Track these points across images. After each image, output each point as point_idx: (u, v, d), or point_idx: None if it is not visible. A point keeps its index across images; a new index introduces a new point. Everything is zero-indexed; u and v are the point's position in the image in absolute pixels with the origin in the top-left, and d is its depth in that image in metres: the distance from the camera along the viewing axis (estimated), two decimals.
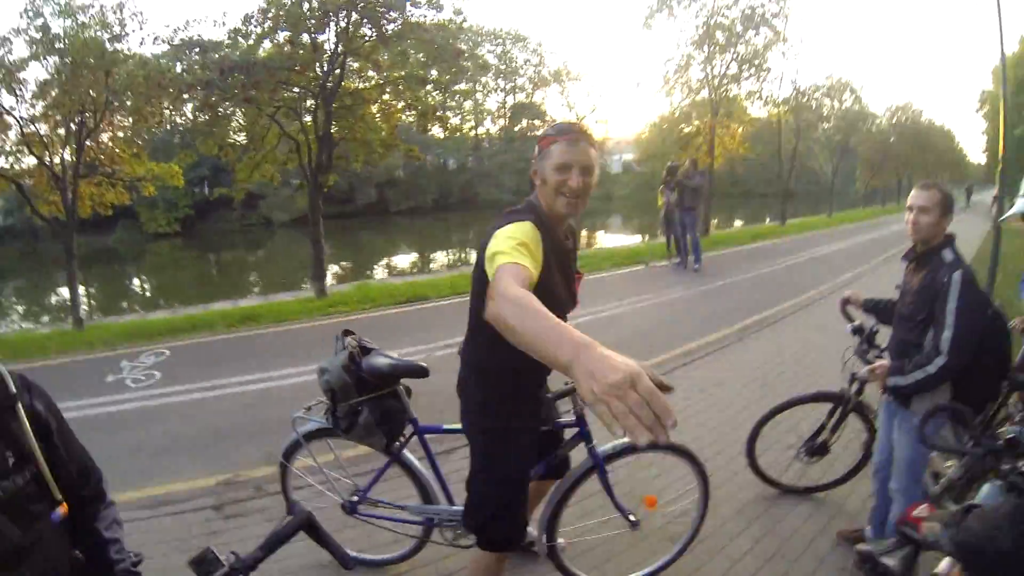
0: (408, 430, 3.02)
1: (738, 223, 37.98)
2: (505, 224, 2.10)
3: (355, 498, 3.20)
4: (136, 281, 30.90)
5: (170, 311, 13.19)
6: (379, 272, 26.57)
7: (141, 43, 11.70)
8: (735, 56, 25.14)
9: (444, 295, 11.44)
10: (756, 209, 48.02)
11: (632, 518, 3.10)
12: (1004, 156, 11.21)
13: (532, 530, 3.07)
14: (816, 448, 3.96)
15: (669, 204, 14.00)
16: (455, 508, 3.01)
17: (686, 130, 25.82)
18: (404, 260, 31.17)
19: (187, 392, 6.83)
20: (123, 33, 11.39)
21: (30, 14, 11.03)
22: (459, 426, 2.62)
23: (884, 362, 3.14)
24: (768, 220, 30.33)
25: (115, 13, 11.32)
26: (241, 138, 13.82)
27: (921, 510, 1.62)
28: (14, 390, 1.35)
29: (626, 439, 2.31)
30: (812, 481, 4.22)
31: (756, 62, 25.68)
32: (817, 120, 33.82)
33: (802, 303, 10.51)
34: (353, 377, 2.76)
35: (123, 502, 3.73)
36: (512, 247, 1.90)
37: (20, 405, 1.35)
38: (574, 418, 2.86)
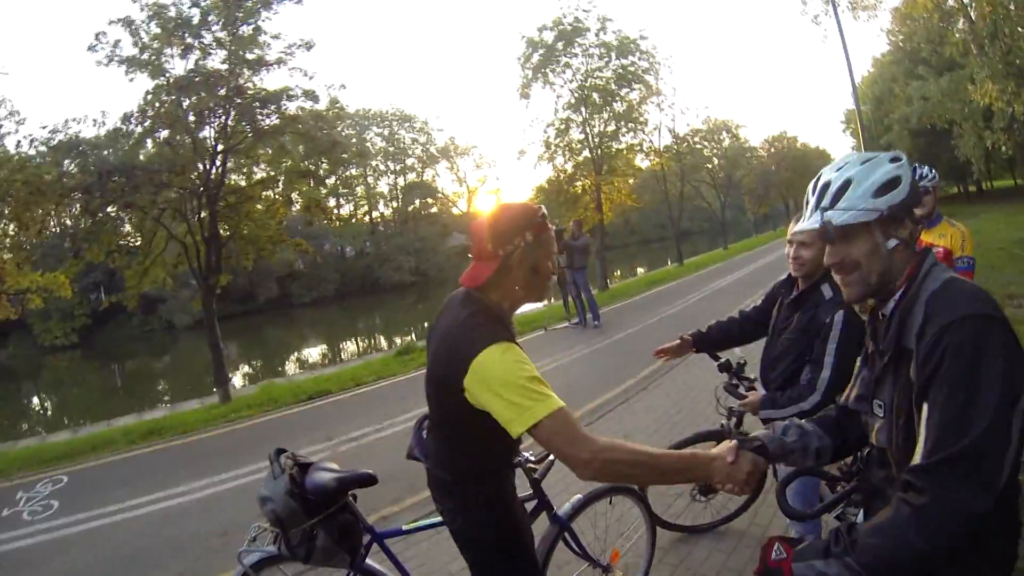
0: (366, 539, 2.73)
1: (640, 270, 38.96)
2: (489, 340, 1.89)
3: None
4: (34, 400, 29.21)
5: (70, 432, 12.45)
6: (289, 367, 25.92)
7: (18, 145, 11.30)
8: (612, 114, 26.12)
9: (347, 388, 11.19)
10: (655, 253, 49.50)
11: (603, 562, 3.15)
12: None
13: None
14: (708, 487, 3.92)
15: (560, 267, 14.24)
16: None
17: (573, 190, 26.51)
18: (314, 352, 30.59)
19: (89, 520, 6.38)
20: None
21: None
22: (419, 524, 2.72)
23: (756, 393, 3.20)
24: (669, 262, 31.28)
25: None
26: (130, 242, 13.43)
27: (777, 551, 1.50)
28: None
29: (579, 495, 3.08)
30: (712, 517, 4.25)
31: (633, 117, 26.72)
32: (700, 162, 35.32)
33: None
34: (299, 500, 2.48)
35: None
36: (535, 386, 1.81)
37: None
38: (531, 491, 2.80)
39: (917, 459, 1.36)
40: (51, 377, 33.08)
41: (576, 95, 25.56)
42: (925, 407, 1.37)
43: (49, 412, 25.92)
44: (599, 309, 14.29)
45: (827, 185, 1.60)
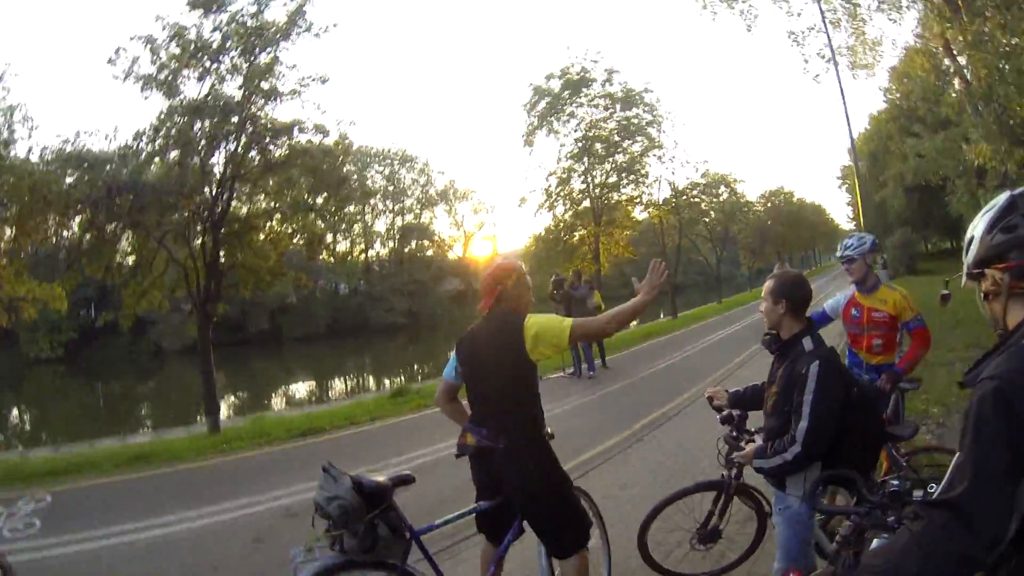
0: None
1: (633, 323, 38.95)
2: (521, 319, 3.22)
3: None
4: (14, 412, 28.69)
5: (51, 449, 12.20)
6: (276, 402, 25.63)
7: (29, 151, 11.28)
8: (614, 165, 26.41)
9: (341, 426, 10.98)
10: (650, 306, 49.49)
11: None
12: (865, 224, 12.40)
13: None
14: (708, 535, 3.98)
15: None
16: None
17: (571, 240, 26.64)
18: (300, 388, 30.32)
19: (73, 543, 6.17)
20: (11, 139, 11.04)
21: None
22: (447, 517, 3.27)
23: (753, 444, 3.24)
24: (662, 315, 31.33)
25: (4, 116, 11.04)
26: (129, 261, 13.32)
27: None
28: None
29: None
30: (712, 566, 4.22)
31: (635, 168, 27.02)
32: (697, 216, 35.66)
33: (699, 393, 10.70)
34: (364, 495, 2.90)
35: None
36: (558, 321, 3.23)
37: None
38: None
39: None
40: (33, 389, 32.63)
41: (579, 145, 25.87)
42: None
43: (28, 426, 25.55)
44: (595, 360, 14.15)
45: None
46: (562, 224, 27.21)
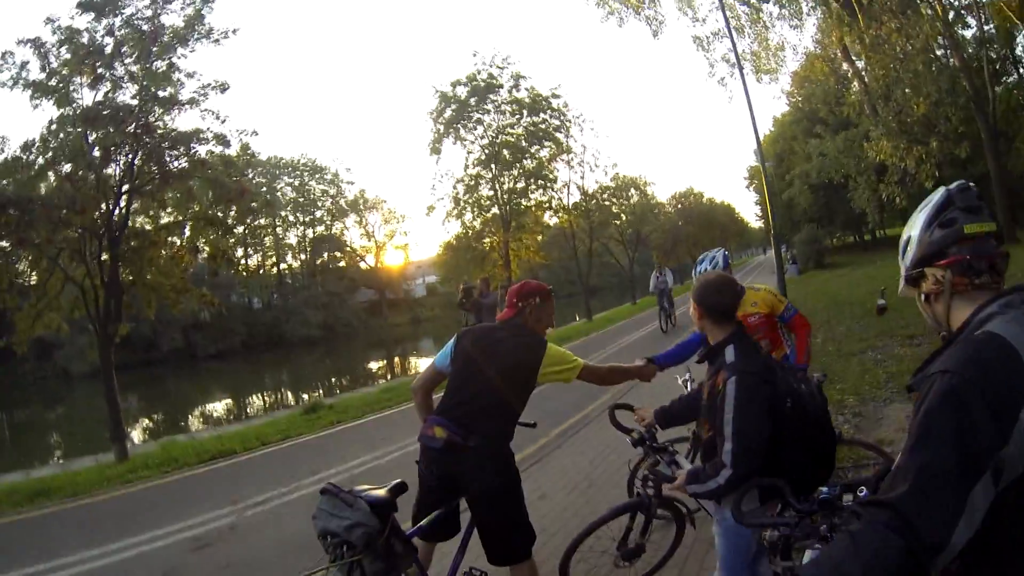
0: None
1: (549, 328, 39.22)
2: (545, 342, 3.48)
3: None
4: None
5: None
6: (191, 422, 24.67)
7: None
8: (522, 171, 26.60)
9: (252, 448, 10.62)
10: (563, 309, 49.64)
11: None
12: (774, 222, 13.11)
13: None
14: (631, 552, 3.81)
15: (469, 325, 14.15)
16: None
17: (481, 247, 26.70)
18: (216, 407, 29.28)
19: None
20: None
21: None
22: (423, 522, 3.24)
23: (682, 473, 3.00)
24: (577, 318, 31.66)
25: None
26: (24, 281, 12.70)
27: None
28: None
29: None
30: None
31: (543, 174, 27.27)
32: (608, 219, 36.24)
33: (617, 395, 10.75)
34: (381, 516, 2.86)
35: None
36: (570, 359, 3.51)
37: None
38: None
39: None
40: None
41: (487, 151, 25.95)
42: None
43: None
44: None
45: None
46: (471, 231, 27.26)
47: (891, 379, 7.87)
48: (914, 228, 1.55)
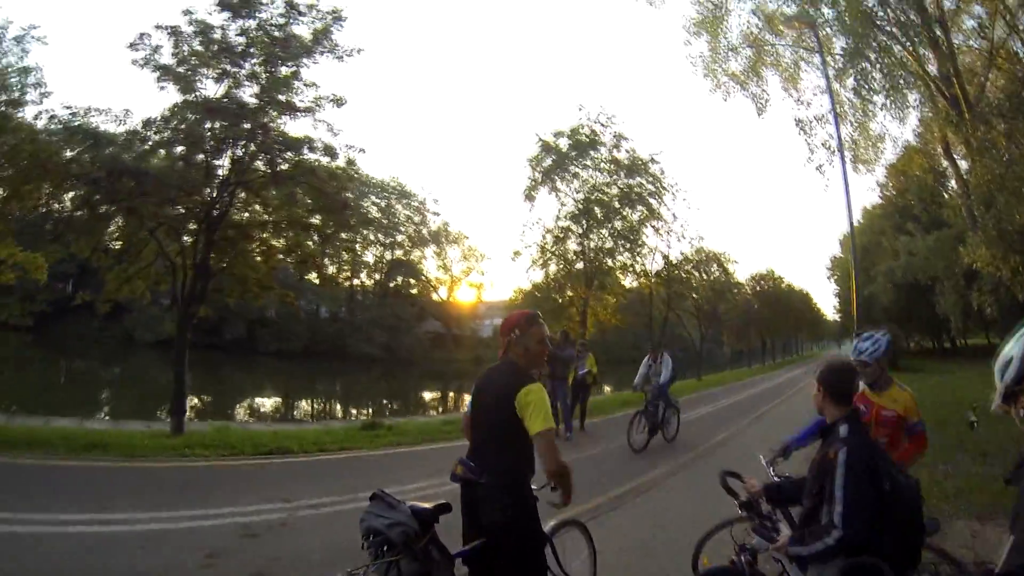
0: None
1: (607, 388, 38.67)
2: (528, 381, 3.38)
3: None
4: None
5: (3, 417, 11.71)
6: (240, 412, 25.01)
7: (37, 117, 11.12)
8: (611, 231, 26.44)
9: (309, 451, 10.59)
10: (626, 373, 49.14)
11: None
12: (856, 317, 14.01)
13: None
14: None
15: (542, 375, 13.73)
16: None
17: (561, 300, 26.49)
18: (267, 403, 29.64)
19: (11, 523, 5.79)
20: (22, 100, 10.88)
21: None
22: (472, 545, 3.39)
23: (785, 534, 3.22)
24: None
25: (19, 77, 10.89)
26: (117, 245, 13.10)
27: None
28: None
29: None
30: None
31: (631, 237, 27.05)
32: (687, 291, 35.63)
33: (678, 467, 10.48)
34: (422, 522, 3.22)
35: None
36: (548, 411, 3.33)
37: None
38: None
39: None
40: None
41: (580, 206, 25.88)
42: None
43: None
44: (573, 421, 13.73)
45: None
46: (553, 282, 27.15)
47: (959, 495, 7.55)
48: (1015, 349, 1.73)
